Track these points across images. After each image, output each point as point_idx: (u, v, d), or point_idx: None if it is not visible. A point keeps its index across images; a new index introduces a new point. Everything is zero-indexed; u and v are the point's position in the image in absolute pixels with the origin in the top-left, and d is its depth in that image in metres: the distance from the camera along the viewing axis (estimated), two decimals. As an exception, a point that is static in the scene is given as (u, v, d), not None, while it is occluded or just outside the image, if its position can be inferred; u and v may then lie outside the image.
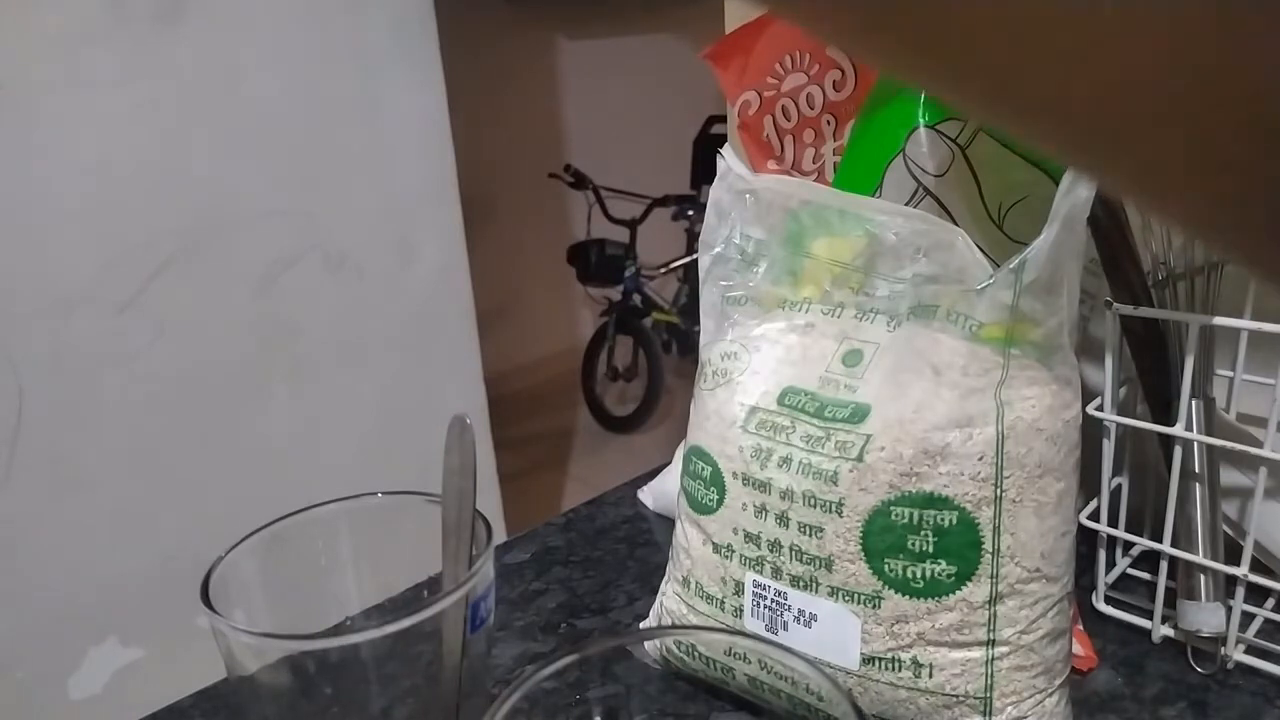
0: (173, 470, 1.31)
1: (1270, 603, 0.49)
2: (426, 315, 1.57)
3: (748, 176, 0.45)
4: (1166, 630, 0.48)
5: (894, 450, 0.37)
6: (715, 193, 0.46)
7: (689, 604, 0.45)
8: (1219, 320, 0.43)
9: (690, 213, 2.88)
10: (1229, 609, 0.46)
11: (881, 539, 0.37)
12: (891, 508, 0.37)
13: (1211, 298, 0.46)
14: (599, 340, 3.01)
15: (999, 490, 0.36)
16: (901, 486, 0.36)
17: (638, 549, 0.61)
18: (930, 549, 0.37)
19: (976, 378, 0.37)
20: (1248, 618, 0.48)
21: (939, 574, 0.37)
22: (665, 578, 0.48)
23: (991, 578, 0.37)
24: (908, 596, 0.37)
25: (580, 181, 2.87)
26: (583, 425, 3.08)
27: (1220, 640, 0.46)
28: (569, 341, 3.22)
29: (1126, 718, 0.44)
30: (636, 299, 2.94)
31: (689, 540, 0.44)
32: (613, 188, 2.89)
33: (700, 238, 0.47)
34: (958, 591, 0.37)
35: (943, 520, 0.36)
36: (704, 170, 2.99)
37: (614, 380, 3.03)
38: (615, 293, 2.94)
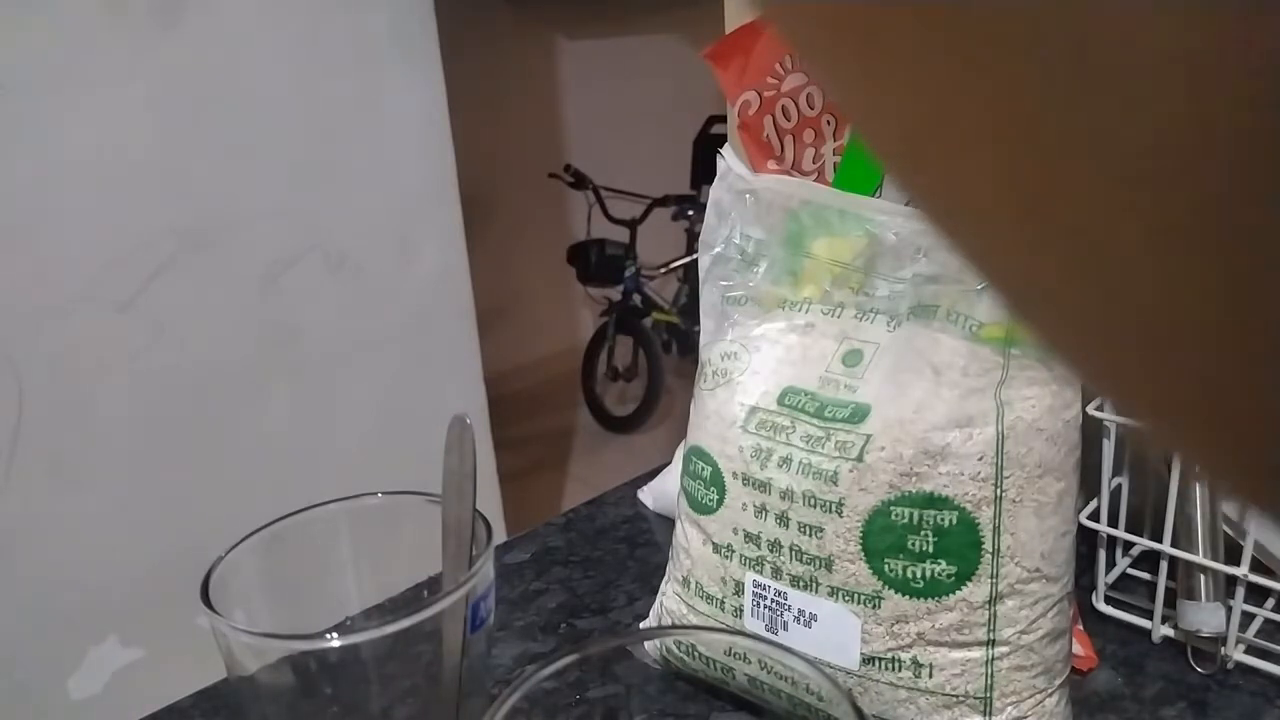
0: (173, 470, 1.31)
1: (1270, 603, 0.49)
2: (426, 315, 1.57)
3: (748, 176, 0.45)
4: (1166, 630, 0.48)
5: (894, 450, 0.37)
6: (715, 193, 0.46)
7: (689, 604, 0.45)
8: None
9: (690, 213, 2.88)
10: (1229, 609, 0.46)
11: (881, 539, 0.37)
12: (891, 508, 0.37)
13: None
14: (599, 340, 3.01)
15: (999, 490, 0.36)
16: (901, 486, 0.37)
17: (638, 549, 0.61)
18: (930, 549, 0.37)
19: (976, 378, 0.37)
20: (1248, 618, 0.48)
21: (939, 574, 0.37)
22: (665, 578, 0.48)
23: (991, 578, 0.37)
24: (908, 596, 0.37)
25: (580, 181, 2.87)
26: (583, 425, 3.08)
27: (1220, 640, 0.46)
28: (569, 341, 3.22)
29: (1126, 718, 0.44)
30: (636, 299, 2.94)
31: (689, 540, 0.44)
32: (613, 188, 2.89)
33: (700, 238, 0.47)
34: (958, 591, 0.37)
35: (943, 520, 0.36)
36: (704, 170, 2.98)
37: (614, 380, 3.03)
38: (615, 293, 2.94)
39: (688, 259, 2.91)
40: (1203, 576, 0.47)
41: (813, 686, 0.35)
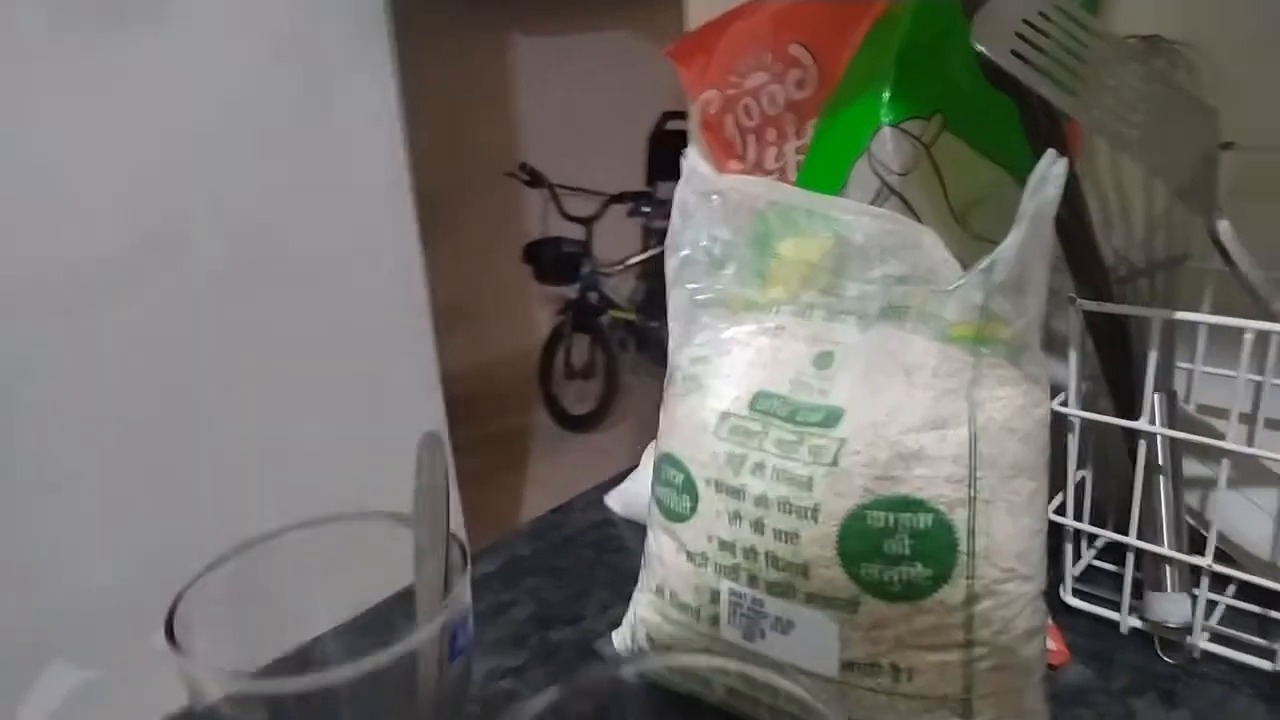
0: (131, 484, 1.28)
1: (1231, 589, 0.50)
2: (383, 317, 1.55)
3: (712, 177, 0.45)
4: (1134, 621, 0.49)
5: (868, 454, 0.36)
6: (680, 194, 0.46)
7: (663, 613, 0.44)
8: (1180, 315, 0.44)
9: (646, 209, 2.88)
10: (1194, 599, 0.46)
11: (857, 543, 0.37)
12: (867, 512, 0.36)
13: (1173, 292, 0.47)
14: (556, 339, 2.99)
15: (973, 491, 0.36)
16: (876, 490, 0.36)
17: (607, 555, 0.61)
18: (906, 551, 0.36)
19: (948, 378, 0.37)
20: (1212, 606, 0.48)
21: (915, 577, 0.37)
22: (638, 586, 0.48)
23: (968, 579, 0.36)
24: (885, 601, 0.37)
25: (536, 180, 2.86)
26: (541, 425, 3.06)
27: (1186, 630, 0.47)
28: (526, 341, 3.19)
29: (1098, 710, 0.45)
30: (593, 297, 2.93)
31: (662, 549, 0.44)
32: (568, 185, 2.87)
33: (666, 240, 0.47)
34: (934, 594, 0.37)
35: (918, 523, 0.36)
36: (659, 166, 2.99)
37: (571, 379, 3.02)
38: (572, 291, 2.92)
39: (644, 256, 2.91)
40: (1168, 567, 0.47)
41: (795, 696, 0.35)
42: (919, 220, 0.47)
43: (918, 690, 0.37)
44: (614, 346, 2.95)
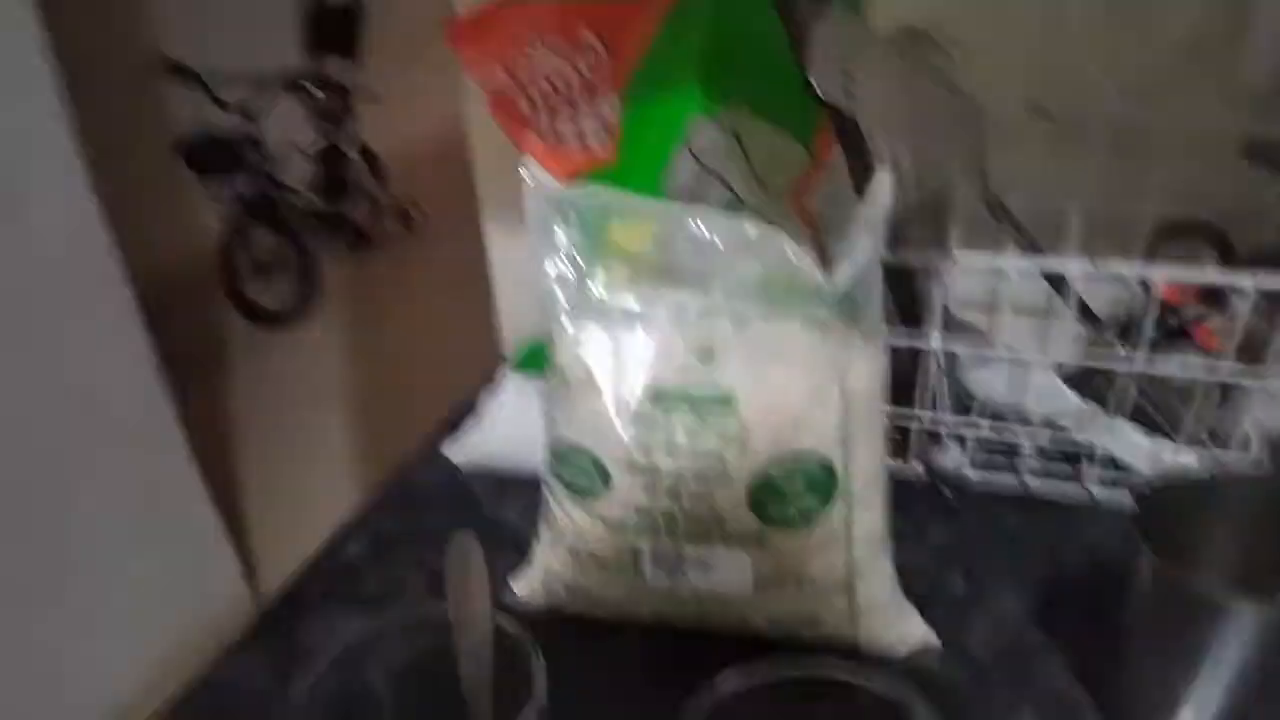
0: None
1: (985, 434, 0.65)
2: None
3: (558, 188, 0.49)
4: (919, 470, 0.63)
5: (768, 429, 0.45)
6: (531, 209, 0.49)
7: (579, 569, 0.51)
8: (950, 260, 0.55)
9: (314, 90, 2.69)
10: (964, 446, 0.61)
11: (763, 493, 0.45)
12: (770, 468, 0.45)
13: (940, 220, 0.58)
14: (234, 235, 2.76)
15: (844, 436, 0.46)
16: (777, 454, 0.45)
17: (470, 513, 0.65)
18: (801, 489, 0.46)
19: (819, 356, 0.45)
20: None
21: (809, 506, 0.46)
22: (540, 543, 0.54)
23: (846, 498, 0.47)
24: (787, 528, 0.47)
25: (181, 71, 2.56)
26: (238, 327, 2.88)
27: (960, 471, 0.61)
28: (201, 242, 2.93)
29: (906, 543, 0.58)
30: (271, 188, 2.73)
31: (572, 518, 0.50)
32: (220, 69, 2.59)
33: (531, 251, 0.50)
34: (824, 512, 0.46)
35: (809, 467, 0.45)
36: (315, 36, 2.77)
37: (260, 274, 2.84)
38: (242, 183, 2.71)
39: (322, 143, 2.74)
40: (944, 429, 0.61)
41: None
42: (733, 190, 0.54)
43: (816, 588, 0.48)
44: (302, 237, 2.80)
